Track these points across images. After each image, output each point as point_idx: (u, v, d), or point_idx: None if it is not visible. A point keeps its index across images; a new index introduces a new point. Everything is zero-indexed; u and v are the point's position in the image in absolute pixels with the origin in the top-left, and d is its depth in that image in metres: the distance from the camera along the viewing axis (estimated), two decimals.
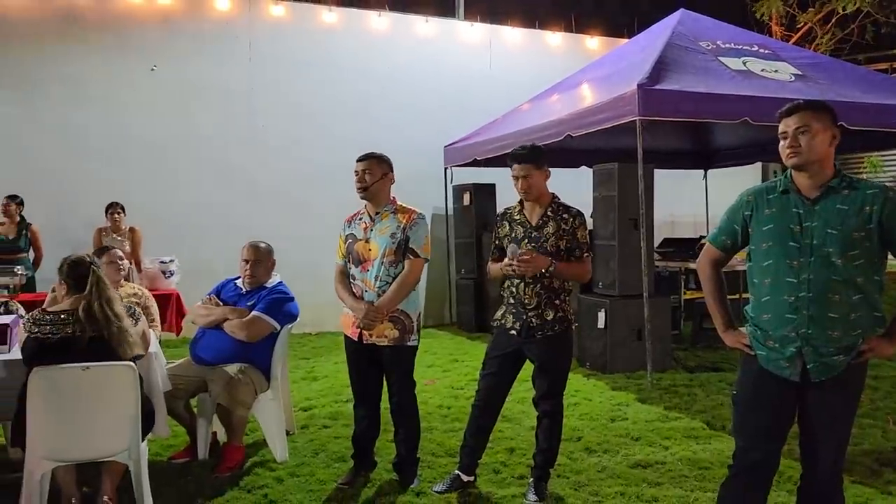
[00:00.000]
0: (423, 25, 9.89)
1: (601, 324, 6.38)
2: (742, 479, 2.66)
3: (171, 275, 7.21)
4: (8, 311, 4.19)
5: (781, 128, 2.54)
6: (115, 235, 7.47)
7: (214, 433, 4.27)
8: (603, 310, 6.37)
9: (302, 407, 5.25)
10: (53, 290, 3.82)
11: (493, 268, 3.64)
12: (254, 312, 4.05)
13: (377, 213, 3.72)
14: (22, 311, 4.24)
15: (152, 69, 8.59)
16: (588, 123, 6.39)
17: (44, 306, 3.45)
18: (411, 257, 3.65)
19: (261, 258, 4.26)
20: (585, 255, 3.54)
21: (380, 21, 9.64)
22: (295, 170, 9.10)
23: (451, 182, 9.52)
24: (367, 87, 9.42)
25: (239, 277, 4.34)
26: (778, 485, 3.50)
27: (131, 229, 7.57)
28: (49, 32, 8.24)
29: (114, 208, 7.49)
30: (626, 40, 9.62)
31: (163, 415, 3.58)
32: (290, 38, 9.20)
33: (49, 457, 3.06)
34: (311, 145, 9.16)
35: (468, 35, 10.17)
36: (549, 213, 3.53)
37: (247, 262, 4.25)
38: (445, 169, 9.51)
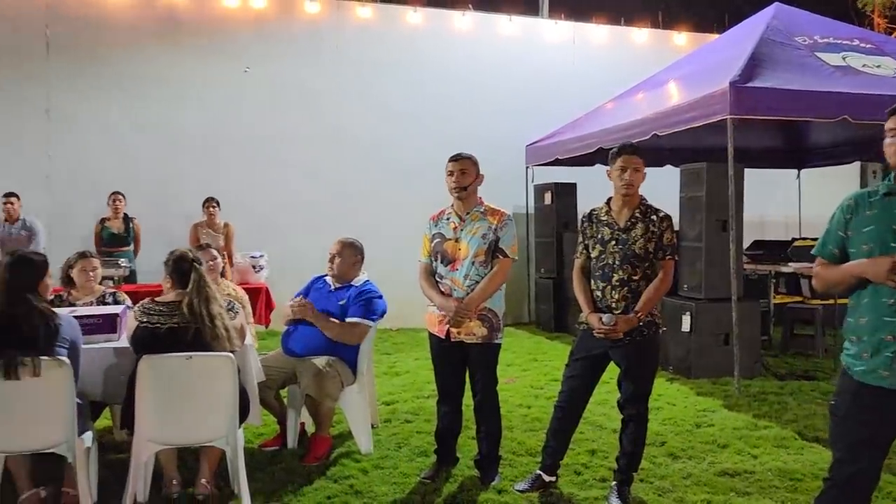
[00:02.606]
0: (507, 24, 9.90)
1: (685, 327, 6.25)
2: (838, 493, 2.57)
3: (261, 269, 7.51)
4: (116, 302, 4.45)
5: (889, 125, 2.44)
6: (210, 230, 7.82)
7: (303, 423, 4.43)
8: (688, 313, 6.23)
9: (384, 401, 5.36)
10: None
11: (577, 277, 3.64)
12: (351, 318, 4.18)
13: (467, 214, 3.76)
14: (129, 301, 4.50)
15: (245, 70, 8.93)
16: (676, 122, 6.26)
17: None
18: (500, 257, 3.69)
19: (347, 254, 4.37)
20: (669, 257, 3.49)
21: (464, 21, 9.71)
22: (380, 169, 9.28)
23: (533, 181, 9.49)
24: (450, 87, 9.51)
25: (327, 274, 4.48)
26: (877, 500, 3.36)
27: (225, 224, 7.91)
28: (149, 37, 8.68)
29: (210, 203, 7.84)
30: (715, 36, 9.36)
31: (257, 404, 3.75)
32: (376, 39, 9.38)
33: (154, 440, 3.25)
34: (395, 145, 9.32)
35: (552, 33, 10.11)
36: (637, 214, 3.50)
37: (333, 257, 4.39)
38: (527, 168, 9.50)
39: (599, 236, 3.55)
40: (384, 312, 4.38)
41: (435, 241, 3.84)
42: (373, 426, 4.56)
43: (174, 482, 3.50)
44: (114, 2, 8.52)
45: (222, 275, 5.17)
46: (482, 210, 3.77)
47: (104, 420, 4.47)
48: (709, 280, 6.21)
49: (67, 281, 4.51)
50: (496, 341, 3.74)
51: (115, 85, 8.55)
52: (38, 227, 7.51)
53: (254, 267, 7.49)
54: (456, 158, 3.75)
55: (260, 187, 8.88)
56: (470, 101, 9.51)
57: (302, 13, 9.16)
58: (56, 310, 3.32)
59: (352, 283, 4.35)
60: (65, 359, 3.09)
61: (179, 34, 8.79)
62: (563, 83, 9.83)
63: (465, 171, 3.72)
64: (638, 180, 3.49)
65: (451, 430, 3.93)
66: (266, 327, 7.24)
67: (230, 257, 7.57)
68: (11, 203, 7.41)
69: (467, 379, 3.86)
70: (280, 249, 8.16)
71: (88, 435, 3.34)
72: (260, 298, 6.97)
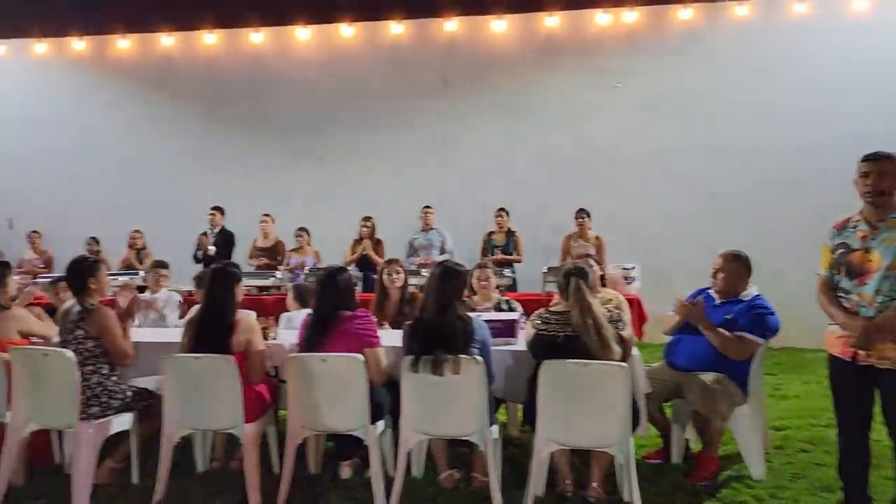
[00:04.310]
0: None
1: None
2: None
3: (633, 281, 7.55)
4: (510, 309, 4.88)
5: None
6: (581, 241, 8.14)
7: (686, 439, 4.34)
8: None
9: (774, 426, 4.98)
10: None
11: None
12: (740, 333, 3.99)
13: (881, 221, 3.32)
14: (520, 308, 4.90)
15: (616, 86, 9.12)
16: None
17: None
18: None
19: (731, 269, 4.17)
20: None
21: (858, 4, 8.59)
22: (756, 177, 8.69)
23: None
24: (845, 82, 8.48)
25: (710, 288, 4.33)
26: None
27: (597, 237, 8.15)
28: (530, 63, 9.40)
29: (580, 214, 8.16)
30: None
31: (645, 415, 3.79)
32: (756, 38, 8.82)
33: (553, 440, 3.48)
34: (777, 149, 8.64)
35: None
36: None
37: (716, 272, 4.22)
38: None
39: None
40: (777, 330, 4.08)
41: (838, 252, 3.43)
42: (764, 452, 4.28)
43: (567, 482, 3.71)
44: (501, 36, 9.42)
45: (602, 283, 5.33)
46: None
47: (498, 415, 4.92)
48: None
49: (469, 288, 5.08)
50: None
51: (499, 111, 9.44)
52: (446, 236, 8.58)
53: (625, 278, 7.56)
54: (873, 158, 3.30)
55: (630, 199, 8.97)
56: (863, 96, 8.36)
57: (674, 21, 9.03)
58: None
59: (739, 296, 4.15)
60: (479, 357, 3.49)
61: (557, 57, 9.32)
62: None
63: (883, 172, 3.27)
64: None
65: (854, 465, 3.48)
66: (639, 339, 7.25)
67: (602, 268, 7.75)
68: (428, 212, 8.57)
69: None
70: (650, 262, 8.10)
71: (495, 427, 3.71)
72: (633, 310, 7.01)
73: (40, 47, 10.47)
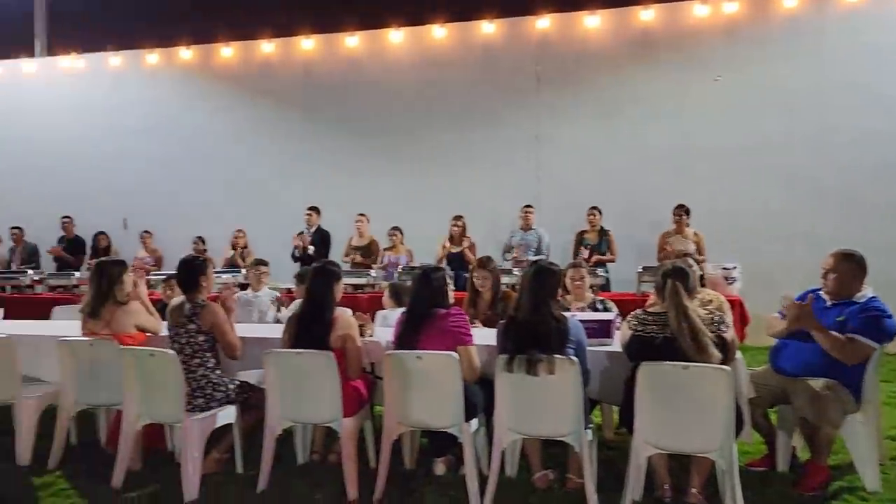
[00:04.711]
0: None
1: None
2: None
3: (734, 281, 7.26)
4: (605, 309, 4.81)
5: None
6: (679, 236, 7.91)
7: (793, 447, 4.14)
8: None
9: (889, 435, 4.68)
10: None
11: None
12: (850, 334, 3.78)
13: None
14: (615, 308, 4.82)
15: (716, 79, 8.82)
16: None
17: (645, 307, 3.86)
18: None
19: (843, 269, 3.95)
20: None
21: None
22: (864, 169, 8.23)
23: None
24: None
25: (820, 288, 4.12)
26: None
27: (695, 233, 7.90)
28: (625, 58, 9.23)
29: (679, 210, 7.93)
30: None
31: (748, 420, 3.65)
32: (864, 24, 8.34)
33: (651, 443, 3.40)
34: (886, 141, 8.14)
35: None
36: None
37: (827, 272, 4.01)
38: None
39: None
40: (894, 334, 3.84)
41: None
42: (879, 463, 4.03)
43: (666, 487, 3.62)
44: (595, 32, 9.30)
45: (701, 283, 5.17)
46: None
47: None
48: None
49: (562, 288, 5.03)
50: None
51: (593, 108, 9.32)
52: (544, 237, 8.53)
53: (726, 278, 7.28)
54: None
55: (731, 196, 8.67)
56: None
57: (778, 10, 8.66)
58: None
59: (853, 298, 3.92)
60: (574, 358, 3.45)
61: (653, 51, 9.12)
62: None
63: None
64: None
65: None
66: (741, 342, 6.97)
67: (702, 268, 7.50)
68: (528, 212, 8.54)
69: None
70: (753, 261, 7.78)
71: (590, 429, 3.66)
72: (734, 311, 6.74)
73: (152, 58, 11.10)
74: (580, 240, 8.49)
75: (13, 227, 10.16)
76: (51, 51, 12.04)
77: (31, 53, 12.01)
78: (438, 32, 9.93)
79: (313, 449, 4.38)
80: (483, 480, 3.68)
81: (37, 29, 12.18)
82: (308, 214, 8.83)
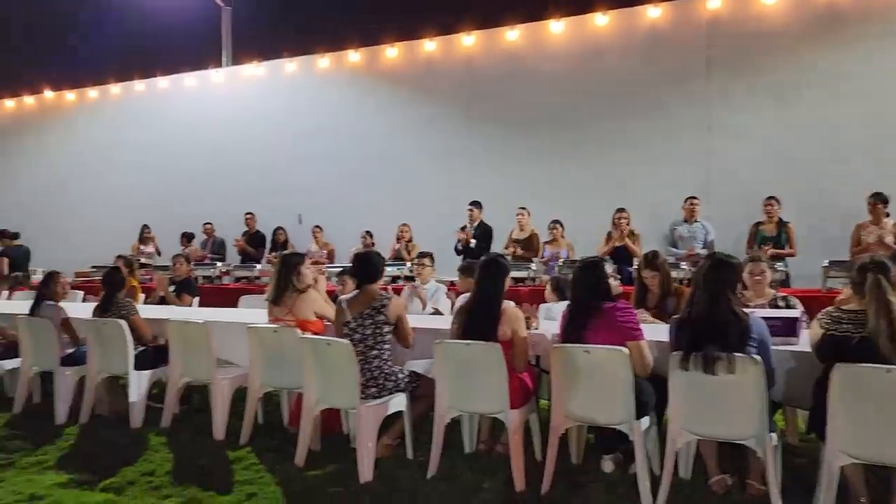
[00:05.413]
0: None
1: None
2: None
3: None
4: (788, 306, 4.47)
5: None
6: (875, 227, 7.20)
7: None
8: None
9: None
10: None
11: None
12: None
13: None
14: (800, 306, 4.47)
15: None
16: None
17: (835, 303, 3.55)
18: None
19: None
20: None
21: None
22: None
23: None
24: None
25: None
26: None
27: (894, 224, 7.16)
28: (807, 38, 8.54)
29: (875, 199, 7.20)
30: None
31: None
32: None
33: (845, 452, 3.12)
34: None
35: None
36: None
37: None
38: None
39: None
40: None
41: None
42: None
43: (862, 500, 3.31)
44: (772, 9, 8.68)
45: None
46: None
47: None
48: None
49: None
50: None
51: (770, 93, 8.71)
52: (709, 229, 8.12)
53: None
54: None
55: None
56: None
57: None
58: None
59: None
60: (757, 357, 3.24)
61: (839, 27, 8.38)
62: None
63: None
64: None
65: None
66: None
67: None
68: (694, 203, 8.18)
69: None
70: None
71: (774, 433, 3.42)
72: None
73: (323, 62, 11.74)
74: (755, 231, 7.96)
75: (205, 223, 11.17)
76: (235, 60, 13.09)
77: (218, 64, 13.12)
78: (600, 20, 9.71)
79: (480, 439, 4.43)
80: (654, 481, 3.55)
81: (223, 41, 13.30)
82: (469, 210, 8.95)
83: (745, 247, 7.84)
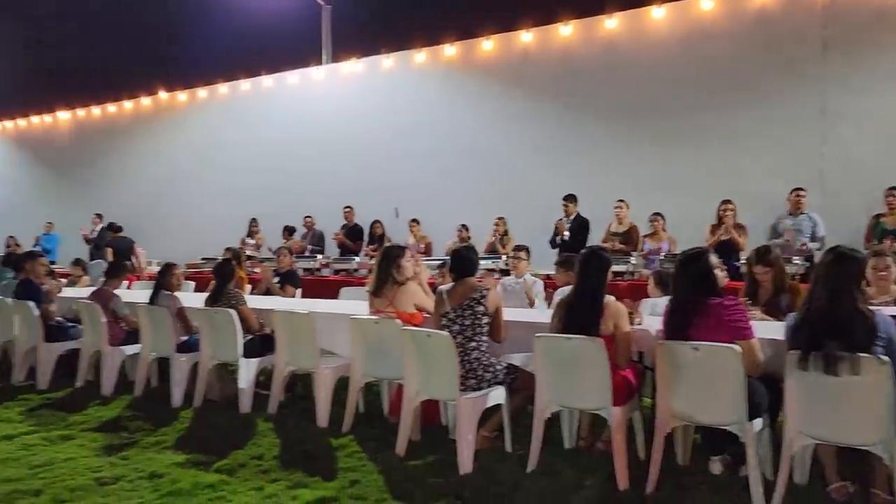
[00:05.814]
0: None
1: None
2: None
3: None
4: None
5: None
6: None
7: None
8: None
9: None
10: None
11: None
12: None
13: None
14: None
15: None
16: None
17: None
18: None
19: None
20: None
21: None
22: None
23: None
24: None
25: None
26: None
27: None
28: None
29: None
30: None
31: None
32: None
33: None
34: None
35: None
36: None
37: None
38: None
39: None
40: None
41: None
42: None
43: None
44: None
45: None
46: None
47: None
48: None
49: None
50: None
51: (894, 74, 8.11)
52: (818, 222, 7.65)
53: None
54: None
55: None
56: None
57: None
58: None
59: None
60: (885, 357, 3.02)
61: None
62: None
63: None
64: None
65: None
66: None
67: None
68: (800, 195, 7.76)
69: None
70: None
71: None
72: None
73: (419, 57, 11.84)
74: (875, 224, 7.46)
75: (306, 216, 11.50)
76: (335, 58, 13.40)
77: (318, 62, 13.47)
78: (706, 5, 9.33)
79: (580, 435, 4.35)
80: (767, 485, 3.38)
81: (323, 39, 13.63)
82: (564, 205, 8.79)
83: (864, 241, 7.37)
